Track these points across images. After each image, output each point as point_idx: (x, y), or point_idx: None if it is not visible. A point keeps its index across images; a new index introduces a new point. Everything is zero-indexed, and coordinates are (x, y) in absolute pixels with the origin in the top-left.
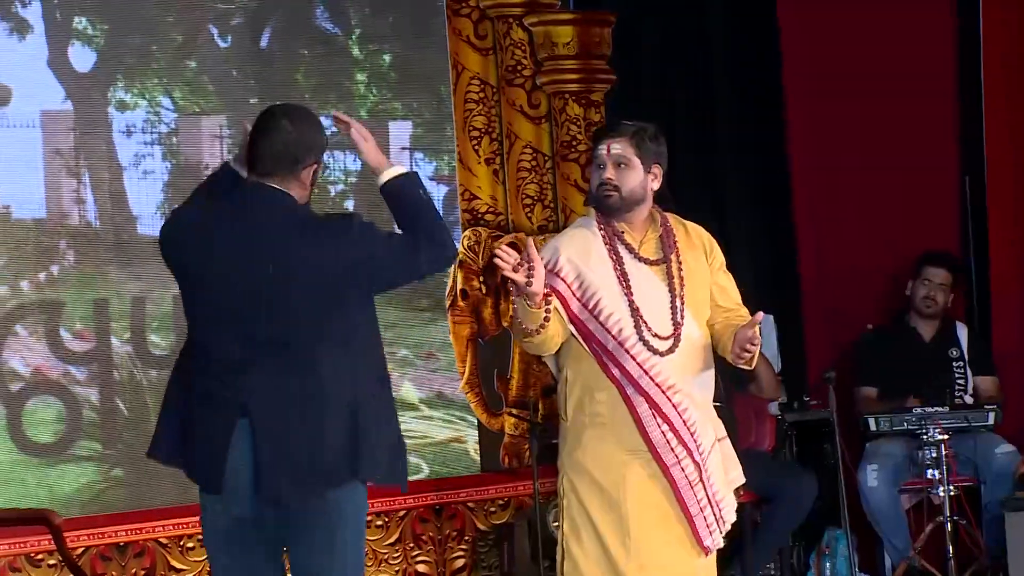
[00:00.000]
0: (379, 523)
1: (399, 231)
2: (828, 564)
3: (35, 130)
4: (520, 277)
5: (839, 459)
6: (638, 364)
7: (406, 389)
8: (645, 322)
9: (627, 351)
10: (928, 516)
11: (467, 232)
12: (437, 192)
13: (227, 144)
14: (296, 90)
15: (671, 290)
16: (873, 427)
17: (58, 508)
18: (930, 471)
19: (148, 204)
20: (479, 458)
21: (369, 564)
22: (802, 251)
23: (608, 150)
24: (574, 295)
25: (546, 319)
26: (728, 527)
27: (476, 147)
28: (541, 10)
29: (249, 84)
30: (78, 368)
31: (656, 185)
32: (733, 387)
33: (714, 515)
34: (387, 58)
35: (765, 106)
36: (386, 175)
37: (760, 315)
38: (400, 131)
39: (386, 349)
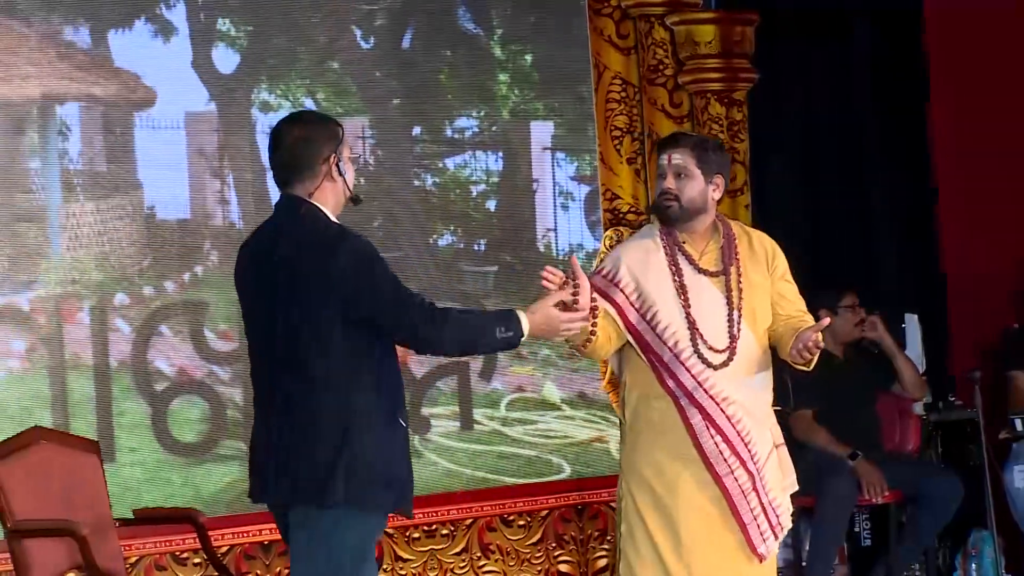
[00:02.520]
0: (521, 523)
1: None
2: (974, 565)
3: (179, 132)
4: (566, 295)
5: (985, 459)
6: (693, 376)
7: (548, 389)
8: (701, 335)
9: (682, 363)
10: None
11: (608, 232)
12: (578, 192)
13: (370, 144)
14: (438, 91)
15: (729, 303)
16: (1020, 428)
17: (203, 507)
18: None
19: None
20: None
21: (511, 564)
22: (947, 250)
23: (669, 160)
24: (632, 305)
25: (592, 333)
26: (784, 533)
27: (618, 147)
28: (683, 9)
29: (391, 85)
30: (222, 368)
31: (718, 195)
32: (877, 387)
33: (768, 522)
34: (529, 58)
35: (909, 104)
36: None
37: (826, 320)
38: (542, 131)
39: (528, 349)
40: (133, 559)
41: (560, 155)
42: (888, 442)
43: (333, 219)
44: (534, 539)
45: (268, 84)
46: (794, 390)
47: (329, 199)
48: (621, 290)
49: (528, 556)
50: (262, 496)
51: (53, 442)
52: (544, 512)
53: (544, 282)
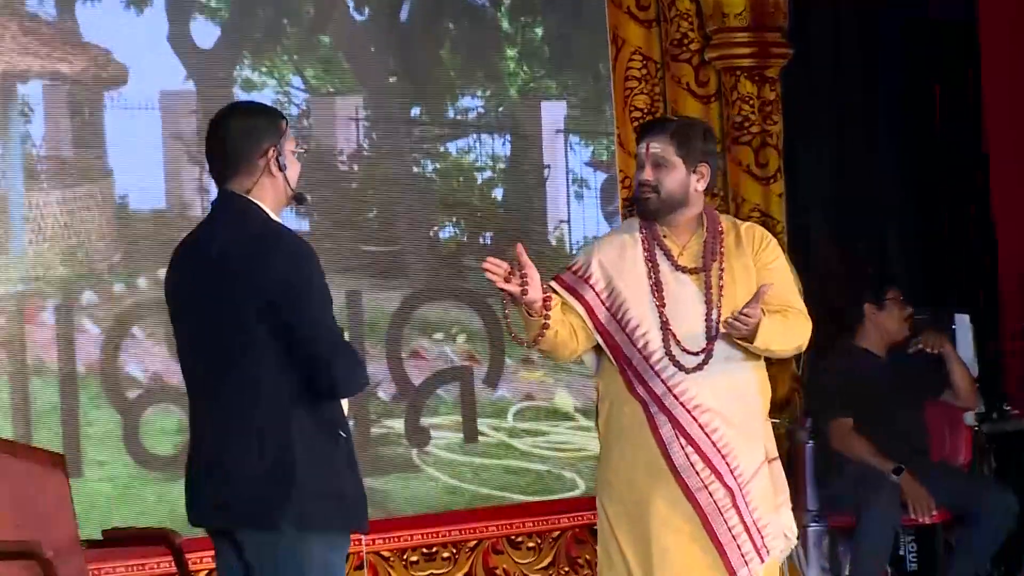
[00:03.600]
0: (531, 545)
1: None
2: None
3: (153, 112)
4: (514, 288)
5: None
6: (662, 381)
7: (560, 397)
8: (675, 336)
9: (651, 367)
10: None
11: (624, 223)
12: (594, 179)
13: (364, 127)
14: (439, 68)
15: (708, 302)
16: None
17: (179, 527)
18: None
19: None
20: None
21: None
22: (1000, 252)
23: (647, 149)
24: (603, 304)
25: (545, 327)
26: (772, 556)
27: (637, 129)
28: None
29: (388, 61)
30: None
31: (701, 186)
32: (925, 395)
33: (752, 544)
34: (540, 32)
35: (959, 96)
36: None
37: (765, 288)
38: (554, 112)
39: (536, 353)
40: None
41: (574, 138)
42: (936, 455)
43: (274, 217)
44: (545, 562)
45: (251, 60)
46: (831, 395)
47: (268, 196)
48: (591, 287)
49: None
50: (199, 520)
51: (14, 455)
52: (556, 533)
53: (488, 274)
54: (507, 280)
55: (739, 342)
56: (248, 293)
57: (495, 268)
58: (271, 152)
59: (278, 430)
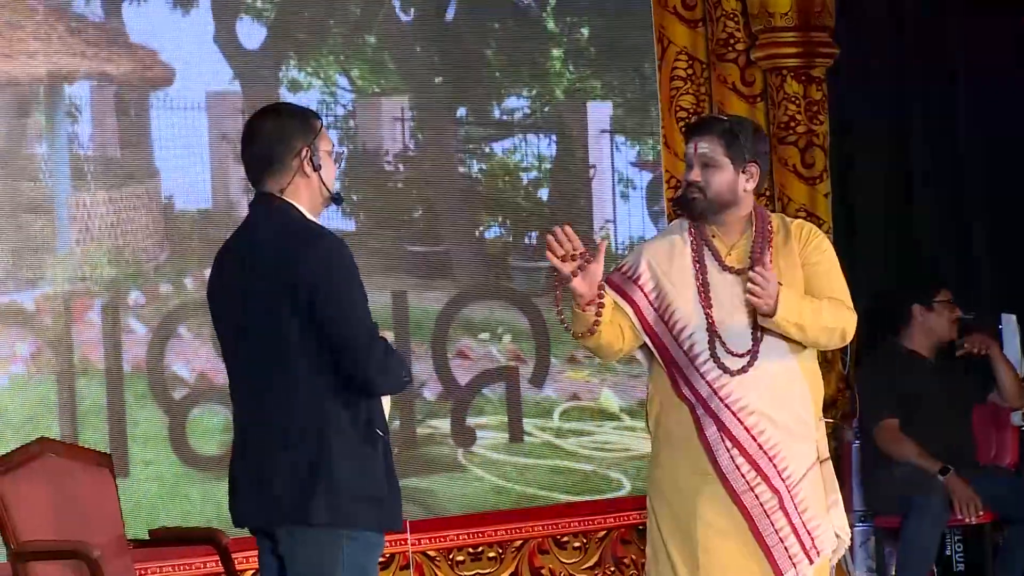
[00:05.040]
0: (576, 545)
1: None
2: None
3: (200, 113)
4: (566, 268)
5: None
6: (708, 383)
7: (605, 397)
8: (720, 338)
9: (697, 369)
10: None
11: (674, 223)
12: (640, 179)
13: (409, 127)
14: (485, 68)
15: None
16: None
17: (226, 527)
18: None
19: None
20: None
21: None
22: None
23: (695, 149)
24: (651, 304)
25: (596, 323)
26: (823, 557)
27: (683, 129)
28: None
29: (433, 61)
30: None
31: (751, 186)
32: (971, 396)
33: (800, 544)
34: (585, 32)
35: (1011, 84)
36: None
37: (767, 259)
38: (599, 112)
39: (583, 352)
40: None
41: (620, 139)
42: (983, 456)
43: (310, 217)
44: (590, 563)
45: (297, 61)
46: (878, 396)
47: (303, 197)
48: (640, 287)
49: None
50: (242, 520)
51: (61, 455)
52: (602, 533)
53: (549, 243)
54: (563, 260)
55: (769, 326)
56: (284, 292)
57: (557, 243)
58: (304, 152)
59: (315, 429)
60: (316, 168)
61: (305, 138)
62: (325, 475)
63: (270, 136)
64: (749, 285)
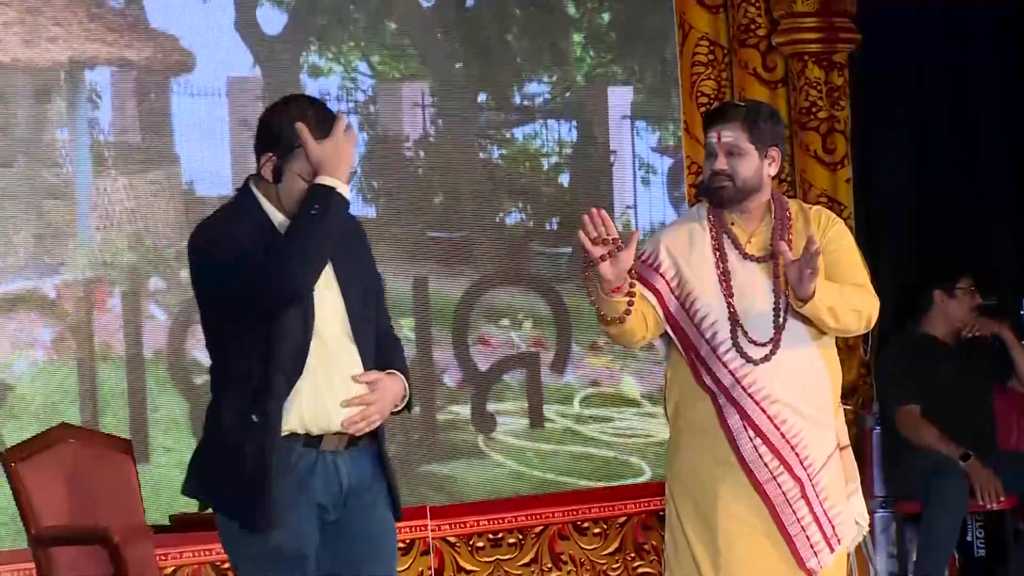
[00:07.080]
0: (596, 531)
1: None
2: None
3: (220, 99)
4: (596, 252)
5: None
6: (730, 373)
7: (626, 383)
8: (742, 327)
9: (719, 358)
10: None
11: (691, 209)
12: (661, 165)
13: (430, 113)
14: (506, 53)
15: (776, 290)
16: None
17: None
18: None
19: None
20: None
21: (585, 575)
22: None
23: (719, 138)
24: (672, 292)
25: (627, 312)
26: (843, 544)
27: (704, 116)
28: None
29: (454, 47)
30: None
31: (773, 170)
32: (992, 381)
33: (822, 533)
34: (606, 17)
35: None
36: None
37: (814, 244)
38: (620, 97)
39: (604, 339)
40: (169, 569)
41: (640, 124)
42: (1004, 442)
43: (265, 208)
44: (611, 548)
45: (318, 46)
46: (899, 382)
47: (271, 194)
48: (661, 275)
49: (604, 567)
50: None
51: (81, 440)
52: (622, 519)
53: (583, 222)
54: (595, 243)
55: (800, 312)
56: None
57: (592, 227)
58: (269, 162)
59: (207, 416)
60: (276, 179)
61: (275, 150)
62: (195, 458)
63: (258, 127)
64: (802, 265)
